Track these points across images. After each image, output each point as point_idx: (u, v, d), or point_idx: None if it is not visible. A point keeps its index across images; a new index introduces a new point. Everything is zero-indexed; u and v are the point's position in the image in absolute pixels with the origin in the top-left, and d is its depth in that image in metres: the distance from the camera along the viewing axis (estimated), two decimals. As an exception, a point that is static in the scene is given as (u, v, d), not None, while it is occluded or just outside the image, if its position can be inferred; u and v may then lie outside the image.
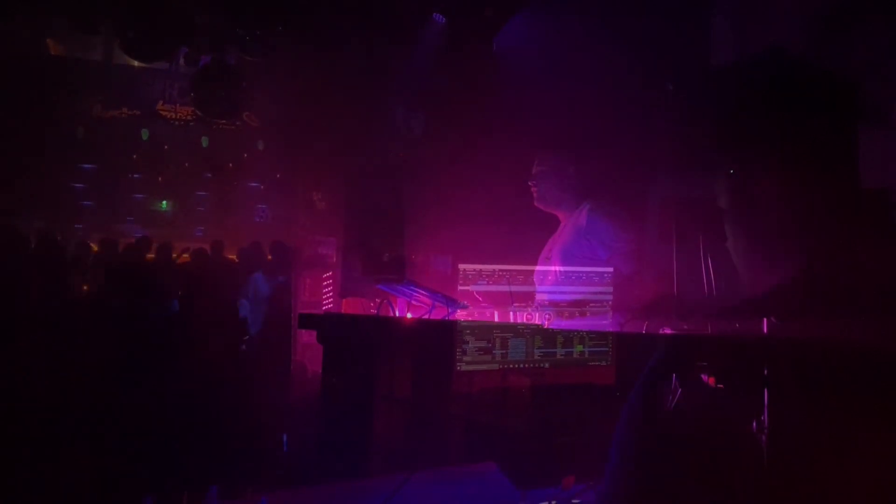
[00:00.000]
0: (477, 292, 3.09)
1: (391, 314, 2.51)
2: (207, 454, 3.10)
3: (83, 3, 5.34)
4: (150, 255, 6.42)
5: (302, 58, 6.19)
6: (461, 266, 2.62)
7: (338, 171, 6.10)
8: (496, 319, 2.75)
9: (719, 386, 1.76)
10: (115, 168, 9.18)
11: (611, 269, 3.24)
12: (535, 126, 3.91)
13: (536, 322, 2.62)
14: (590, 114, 3.89)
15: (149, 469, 2.92)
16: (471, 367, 2.32)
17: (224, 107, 6.47)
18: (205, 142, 9.41)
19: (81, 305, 4.83)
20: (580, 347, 2.73)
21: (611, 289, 3.23)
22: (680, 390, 1.75)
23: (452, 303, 2.52)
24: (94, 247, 6.77)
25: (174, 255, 6.52)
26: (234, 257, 7.02)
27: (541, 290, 3.42)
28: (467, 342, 2.33)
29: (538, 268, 3.48)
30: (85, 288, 5.51)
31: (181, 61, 6.72)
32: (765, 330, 1.71)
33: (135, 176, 9.21)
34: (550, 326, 2.87)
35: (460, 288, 2.62)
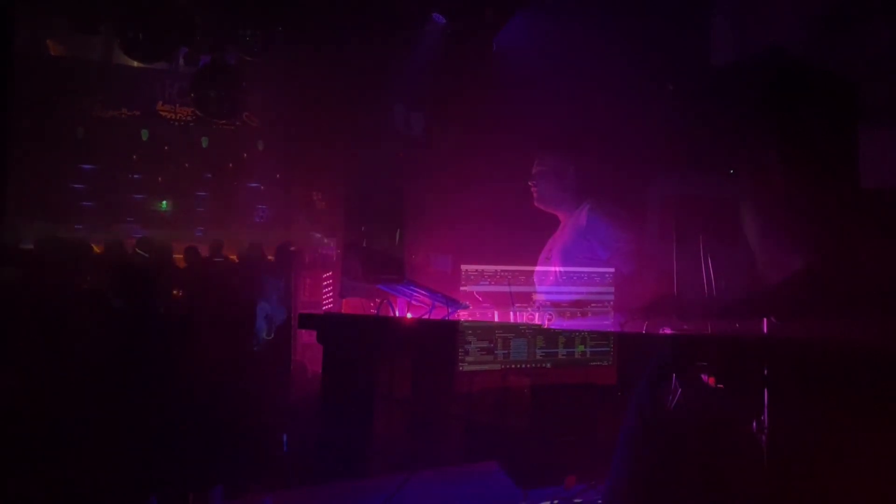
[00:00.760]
0: (478, 293, 3.09)
1: (391, 314, 2.51)
2: (211, 454, 3.10)
3: (83, 3, 5.34)
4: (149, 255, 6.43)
5: (301, 58, 6.20)
6: (463, 267, 2.62)
7: (338, 171, 6.11)
8: (496, 319, 2.75)
9: (719, 386, 1.76)
10: (115, 168, 9.18)
11: (611, 269, 3.25)
12: (535, 126, 3.91)
13: (537, 322, 2.62)
14: (590, 114, 3.90)
15: (153, 469, 2.92)
16: (473, 368, 2.32)
17: (224, 107, 6.47)
18: (205, 142, 9.42)
19: (85, 305, 4.84)
20: (581, 347, 2.73)
21: (611, 289, 3.23)
22: (680, 390, 1.75)
23: (453, 303, 2.52)
24: (96, 248, 6.78)
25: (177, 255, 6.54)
26: (234, 257, 7.03)
27: (541, 290, 3.42)
28: (469, 342, 2.33)
29: (538, 268, 3.49)
30: (86, 288, 5.52)
31: (181, 61, 6.72)
32: (765, 330, 1.71)
33: (135, 176, 9.21)
34: (551, 326, 2.87)
35: (462, 289, 2.62)
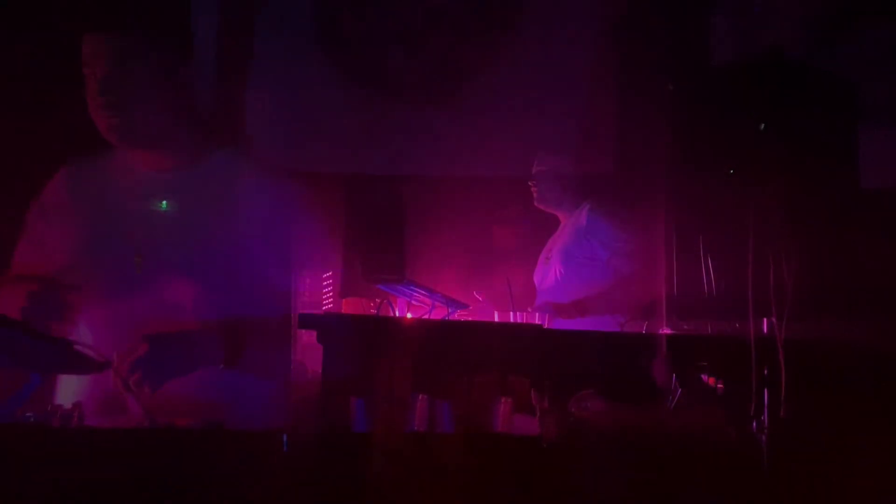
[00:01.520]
0: (477, 292, 3.09)
1: (391, 314, 2.51)
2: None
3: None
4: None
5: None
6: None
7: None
8: (496, 320, 2.75)
9: (719, 386, 1.76)
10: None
11: (611, 270, 3.25)
12: (535, 126, 3.90)
13: (537, 322, 2.62)
14: (590, 114, 3.90)
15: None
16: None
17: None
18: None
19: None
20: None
21: (611, 289, 3.23)
22: (680, 390, 1.75)
23: (452, 303, 2.52)
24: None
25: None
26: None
27: (541, 290, 3.42)
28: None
29: (538, 268, 3.49)
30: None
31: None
32: (765, 330, 1.71)
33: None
34: (550, 327, 2.87)
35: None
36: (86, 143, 1.86)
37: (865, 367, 1.72)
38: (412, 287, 2.41)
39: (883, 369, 1.72)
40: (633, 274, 3.18)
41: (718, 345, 1.79)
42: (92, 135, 1.82)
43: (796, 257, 1.67)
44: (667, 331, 1.95)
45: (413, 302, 2.59)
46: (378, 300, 2.58)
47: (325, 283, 3.20)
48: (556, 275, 3.31)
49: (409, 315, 2.57)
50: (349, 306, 2.81)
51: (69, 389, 1.73)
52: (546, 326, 2.62)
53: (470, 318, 2.75)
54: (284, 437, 1.43)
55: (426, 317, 2.44)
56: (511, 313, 2.78)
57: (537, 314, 2.81)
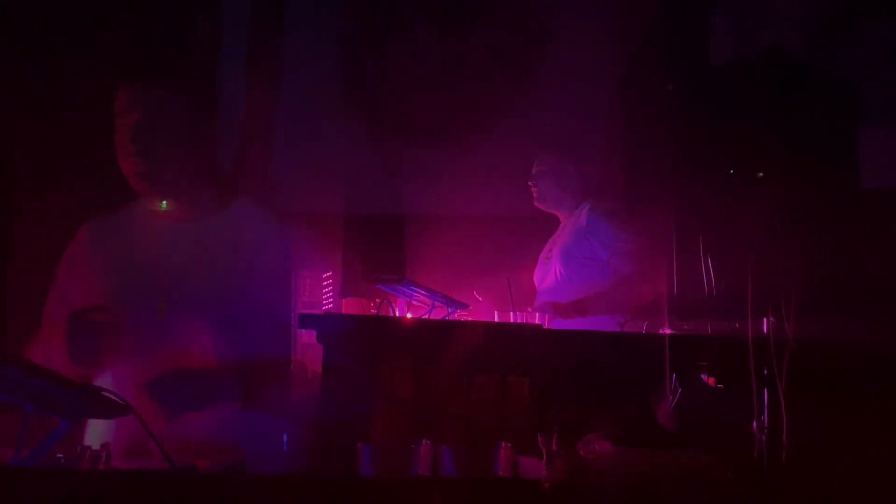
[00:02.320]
0: (477, 292, 3.09)
1: (391, 314, 2.51)
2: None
3: None
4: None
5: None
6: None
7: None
8: (496, 320, 2.75)
9: (719, 386, 1.76)
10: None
11: (611, 270, 3.24)
12: (535, 126, 3.90)
13: (537, 322, 2.62)
14: (590, 114, 3.90)
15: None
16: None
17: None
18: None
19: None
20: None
21: (611, 289, 3.22)
22: (680, 390, 1.75)
23: (452, 303, 2.52)
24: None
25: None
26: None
27: (541, 290, 3.42)
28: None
29: (538, 268, 3.48)
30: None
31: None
32: (765, 330, 1.71)
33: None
34: (550, 327, 2.87)
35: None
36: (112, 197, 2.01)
37: (865, 367, 1.72)
38: (412, 287, 2.41)
39: (883, 369, 1.72)
40: (633, 274, 3.18)
41: (718, 345, 1.79)
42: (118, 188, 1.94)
43: (796, 257, 1.67)
44: (667, 331, 1.95)
45: (413, 302, 2.59)
46: (378, 300, 2.58)
47: (325, 283, 3.20)
48: (556, 275, 3.31)
49: (409, 315, 2.57)
50: (349, 306, 2.81)
51: (97, 432, 1.81)
52: (546, 326, 2.62)
53: (470, 318, 2.75)
54: (284, 437, 1.44)
55: (426, 317, 2.44)
56: (511, 313, 2.77)
57: (537, 314, 2.81)
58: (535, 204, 3.47)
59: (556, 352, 1.86)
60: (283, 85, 4.02)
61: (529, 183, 3.45)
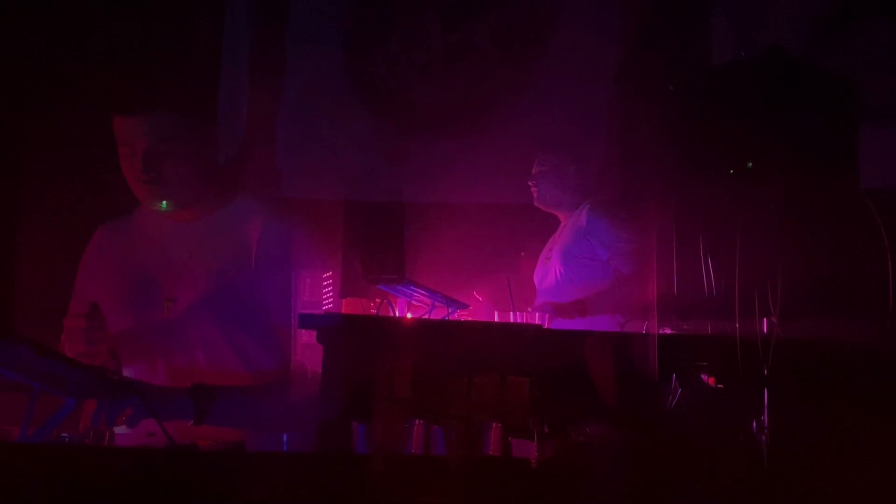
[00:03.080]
0: (477, 292, 3.09)
1: (391, 314, 2.51)
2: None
3: None
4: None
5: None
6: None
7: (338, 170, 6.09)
8: (496, 320, 2.75)
9: (719, 386, 1.76)
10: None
11: (611, 270, 3.24)
12: (535, 126, 3.90)
13: (537, 322, 2.62)
14: (590, 113, 3.90)
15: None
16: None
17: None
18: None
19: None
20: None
21: (611, 289, 3.23)
22: (680, 390, 1.75)
23: (452, 303, 2.52)
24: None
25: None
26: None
27: (541, 290, 3.42)
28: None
29: (538, 268, 3.49)
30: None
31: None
32: (765, 330, 1.71)
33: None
34: (550, 327, 2.87)
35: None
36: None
37: (865, 367, 1.72)
38: (412, 287, 2.42)
39: (883, 369, 1.72)
40: (633, 274, 3.18)
41: (718, 345, 1.79)
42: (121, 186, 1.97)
43: (796, 257, 1.67)
44: (667, 331, 1.95)
45: (413, 302, 2.59)
46: (378, 300, 2.58)
47: (325, 283, 3.20)
48: (556, 275, 3.31)
49: (409, 315, 2.57)
50: (349, 306, 2.81)
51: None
52: (546, 326, 2.62)
53: (470, 318, 2.75)
54: (284, 437, 1.45)
55: (426, 317, 2.44)
56: (511, 313, 2.78)
57: (537, 314, 2.81)
58: (535, 204, 3.47)
59: (556, 352, 1.86)
60: (286, 74, 4.03)
61: (530, 183, 3.45)
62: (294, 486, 1.36)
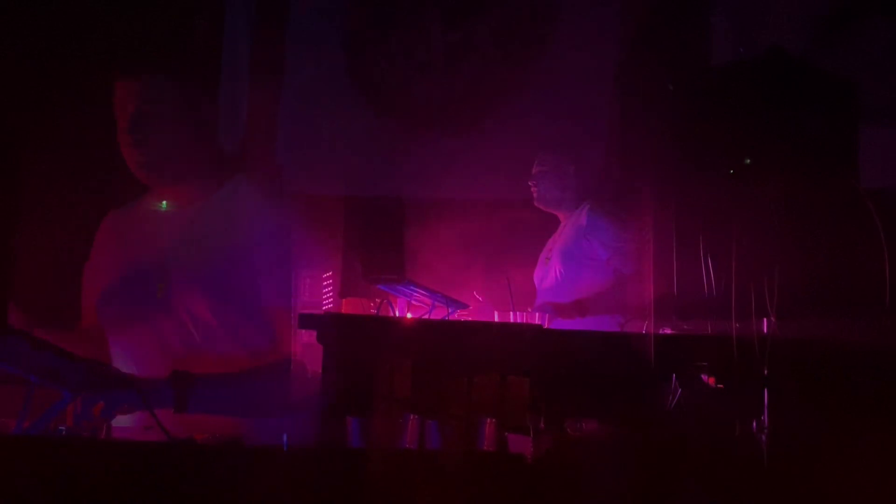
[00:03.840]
0: (477, 292, 3.09)
1: (391, 314, 2.51)
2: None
3: None
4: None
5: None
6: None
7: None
8: (496, 320, 2.75)
9: (719, 386, 1.76)
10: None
11: (611, 270, 3.24)
12: (534, 126, 3.90)
13: (537, 322, 2.62)
14: (590, 113, 3.90)
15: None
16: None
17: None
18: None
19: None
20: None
21: (611, 289, 3.22)
22: (680, 390, 1.75)
23: (452, 303, 2.52)
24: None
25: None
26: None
27: (541, 290, 3.42)
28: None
29: (538, 268, 3.48)
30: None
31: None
32: (765, 330, 1.71)
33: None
34: (550, 327, 2.87)
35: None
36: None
37: (865, 367, 1.72)
38: (412, 287, 2.42)
39: (883, 369, 1.72)
40: (633, 274, 3.18)
41: (718, 345, 1.79)
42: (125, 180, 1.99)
43: (796, 257, 1.67)
44: (667, 331, 1.95)
45: (413, 302, 2.59)
46: (378, 300, 2.58)
47: (325, 283, 3.20)
48: (556, 275, 3.31)
49: (409, 315, 2.57)
50: (349, 306, 2.81)
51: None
52: (546, 326, 2.62)
53: (470, 318, 2.75)
54: (285, 437, 1.45)
55: (426, 317, 2.44)
56: (511, 313, 2.77)
57: (537, 314, 2.81)
58: (535, 203, 3.47)
59: (556, 352, 1.86)
60: (286, 73, 4.03)
61: (529, 183, 3.45)
62: (291, 480, 1.36)
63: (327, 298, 3.26)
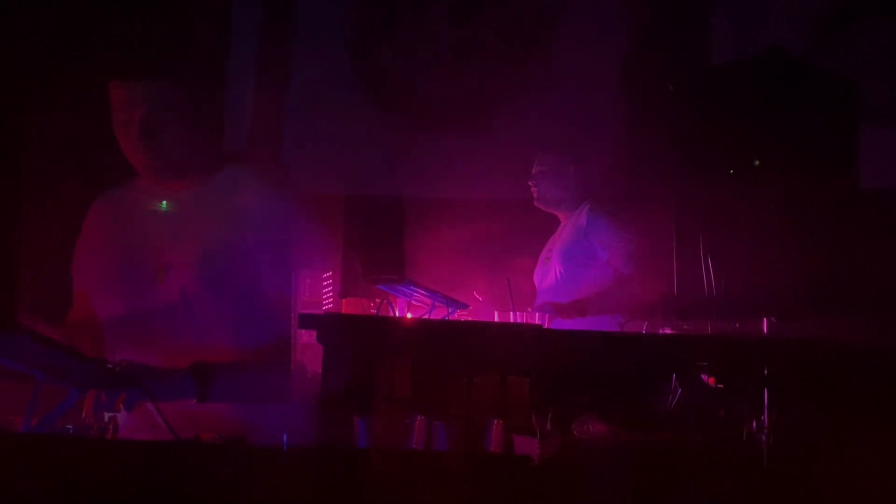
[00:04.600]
0: (477, 292, 3.09)
1: (391, 314, 2.50)
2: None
3: None
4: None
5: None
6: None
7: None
8: (496, 320, 2.74)
9: (719, 386, 1.76)
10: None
11: (611, 270, 3.24)
12: (535, 126, 3.90)
13: (537, 322, 2.61)
14: (590, 113, 3.90)
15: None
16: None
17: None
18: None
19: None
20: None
21: (611, 289, 3.22)
22: (680, 390, 1.75)
23: (452, 303, 2.51)
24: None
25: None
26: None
27: (541, 290, 3.42)
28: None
29: (538, 268, 3.48)
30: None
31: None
32: (765, 330, 1.71)
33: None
34: (550, 327, 2.86)
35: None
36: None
37: (865, 367, 1.72)
38: (412, 287, 2.41)
39: (883, 369, 1.72)
40: (633, 274, 3.18)
41: (718, 345, 1.79)
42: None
43: (796, 257, 1.67)
44: (667, 331, 1.95)
45: (413, 302, 2.59)
46: (378, 300, 2.57)
47: (325, 283, 3.20)
48: (556, 275, 3.31)
49: (409, 315, 2.56)
50: (349, 306, 2.80)
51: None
52: (546, 326, 2.62)
53: (470, 318, 2.75)
54: (285, 437, 1.45)
55: (426, 317, 2.43)
56: (511, 313, 2.77)
57: (537, 314, 2.81)
58: (535, 203, 3.47)
59: (556, 352, 1.86)
60: (293, 68, 4.04)
61: (530, 183, 3.45)
62: (295, 479, 1.36)
63: (327, 298, 3.25)
